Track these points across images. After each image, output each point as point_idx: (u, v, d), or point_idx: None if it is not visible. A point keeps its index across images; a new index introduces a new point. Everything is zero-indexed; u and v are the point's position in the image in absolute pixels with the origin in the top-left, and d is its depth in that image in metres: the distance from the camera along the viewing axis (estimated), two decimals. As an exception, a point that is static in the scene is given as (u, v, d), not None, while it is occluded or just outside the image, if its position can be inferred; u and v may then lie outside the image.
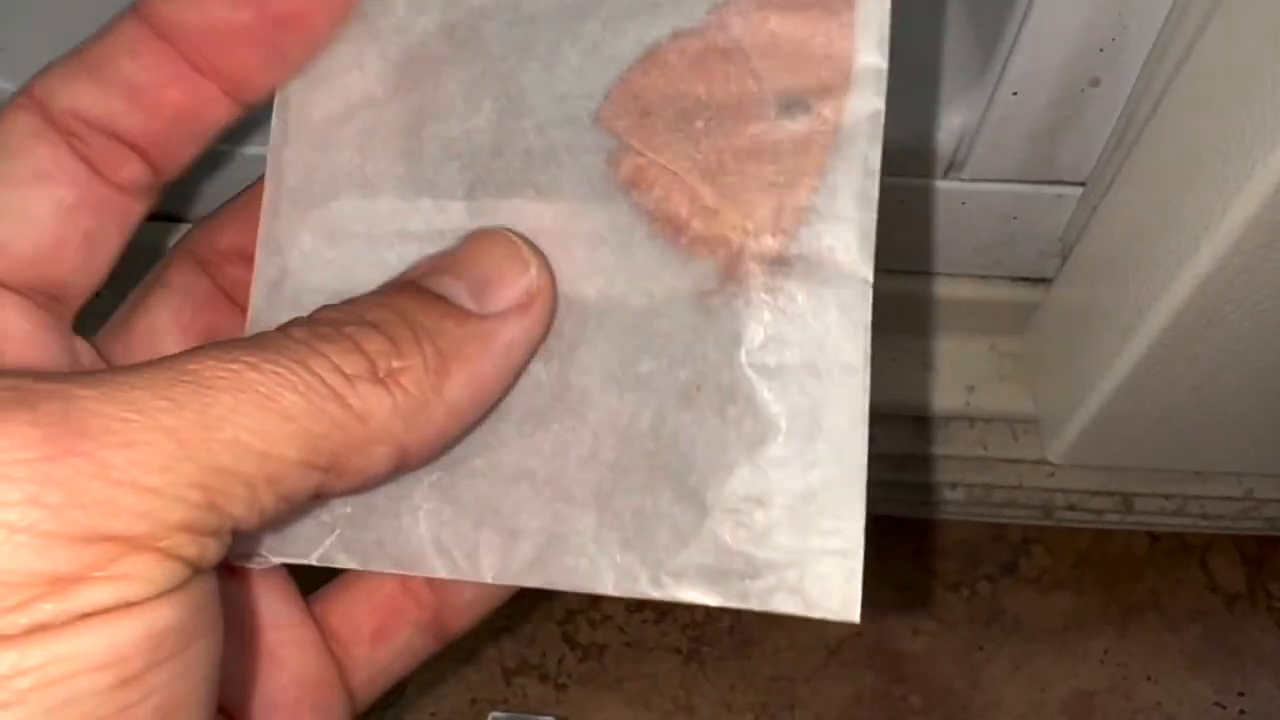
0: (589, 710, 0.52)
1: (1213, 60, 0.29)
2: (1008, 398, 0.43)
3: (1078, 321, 0.38)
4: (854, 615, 0.19)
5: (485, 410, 0.20)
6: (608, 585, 0.20)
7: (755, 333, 0.20)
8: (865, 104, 0.19)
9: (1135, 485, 0.47)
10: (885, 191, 0.20)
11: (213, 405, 0.16)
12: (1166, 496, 0.48)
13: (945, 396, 0.43)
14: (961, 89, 0.35)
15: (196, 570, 0.16)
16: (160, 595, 0.15)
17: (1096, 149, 0.35)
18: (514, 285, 0.20)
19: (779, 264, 0.20)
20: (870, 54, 0.20)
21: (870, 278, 0.19)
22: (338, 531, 0.22)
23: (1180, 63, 0.30)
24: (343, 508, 0.22)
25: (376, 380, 0.18)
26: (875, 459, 0.19)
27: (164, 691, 0.15)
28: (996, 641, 0.53)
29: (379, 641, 0.24)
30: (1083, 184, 0.36)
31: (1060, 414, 0.39)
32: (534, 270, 0.20)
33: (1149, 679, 0.53)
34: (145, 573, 0.15)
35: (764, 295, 0.20)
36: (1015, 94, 0.33)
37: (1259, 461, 0.42)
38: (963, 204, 0.37)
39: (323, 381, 0.17)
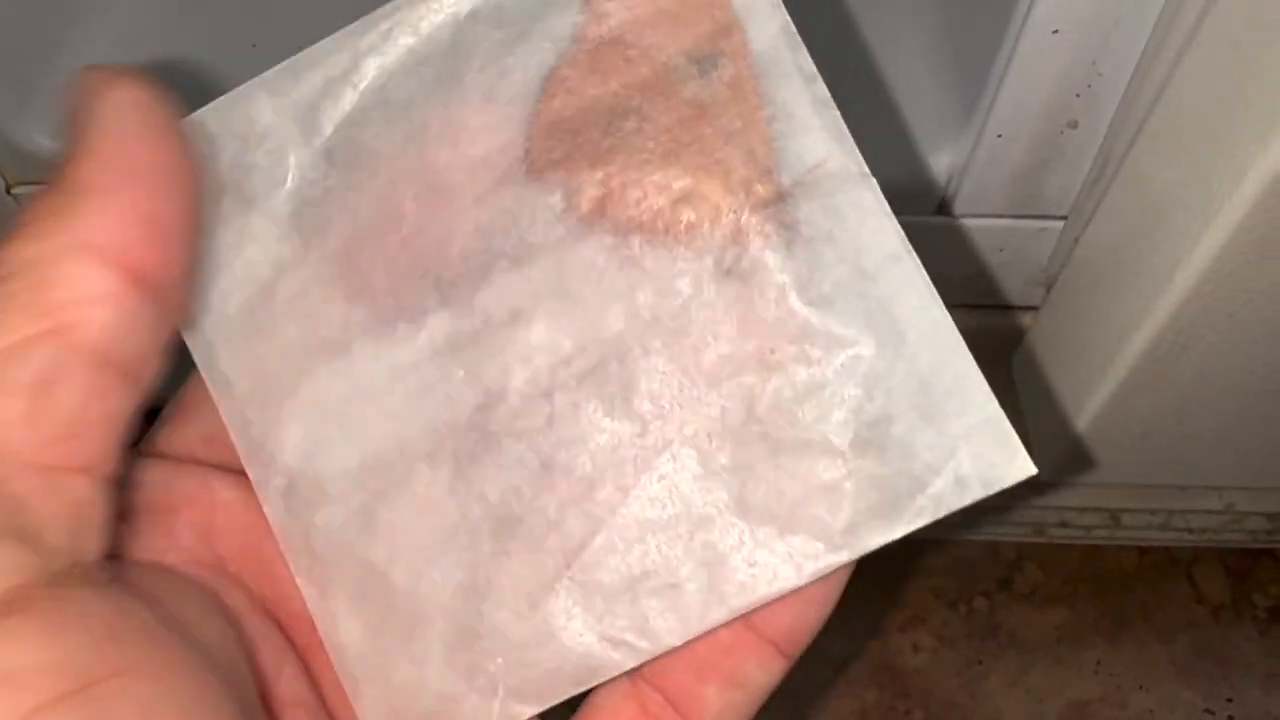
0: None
1: (1181, 103, 0.30)
2: (1000, 419, 0.44)
3: (1063, 346, 0.39)
4: (1029, 468, 0.18)
5: None
6: (792, 578, 0.19)
7: (794, 272, 0.18)
8: (768, 23, 0.18)
9: (1122, 501, 0.48)
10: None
11: None
12: (1152, 511, 0.49)
13: (940, 420, 0.44)
14: (950, 132, 0.36)
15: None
16: None
17: (1076, 185, 0.36)
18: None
19: (779, 202, 0.18)
20: None
21: (866, 169, 0.18)
22: (501, 688, 0.20)
23: (1152, 105, 0.31)
24: (493, 661, 0.20)
25: None
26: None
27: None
28: (994, 655, 0.54)
29: None
30: (1064, 217, 0.37)
31: (1050, 433, 0.40)
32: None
33: (1141, 688, 0.53)
34: None
35: (782, 236, 0.18)
36: (1000, 136, 0.34)
37: (1237, 475, 0.43)
38: (953, 238, 0.38)
39: None
